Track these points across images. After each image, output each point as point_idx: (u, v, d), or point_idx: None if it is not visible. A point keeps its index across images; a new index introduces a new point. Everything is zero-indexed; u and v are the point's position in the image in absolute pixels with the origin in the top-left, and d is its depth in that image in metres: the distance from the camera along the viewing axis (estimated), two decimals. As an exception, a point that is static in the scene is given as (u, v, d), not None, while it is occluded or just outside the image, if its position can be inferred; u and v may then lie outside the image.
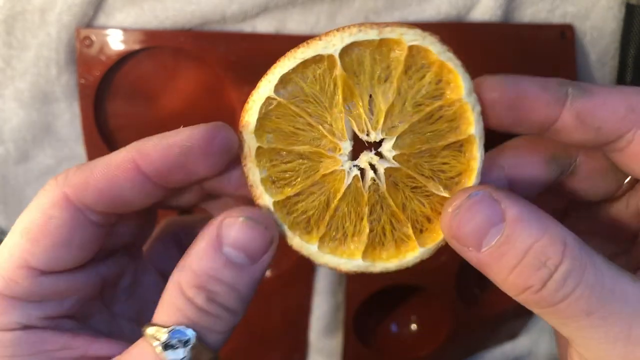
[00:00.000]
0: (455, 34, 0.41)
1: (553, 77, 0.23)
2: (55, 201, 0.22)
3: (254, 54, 0.39)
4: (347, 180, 0.22)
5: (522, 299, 0.20)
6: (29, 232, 0.22)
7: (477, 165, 0.22)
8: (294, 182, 0.22)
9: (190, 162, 0.22)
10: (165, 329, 0.21)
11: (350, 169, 0.22)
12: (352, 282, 0.47)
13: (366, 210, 0.21)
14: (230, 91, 0.40)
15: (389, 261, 0.22)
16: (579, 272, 0.18)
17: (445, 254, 0.47)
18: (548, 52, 0.44)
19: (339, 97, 0.21)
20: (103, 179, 0.22)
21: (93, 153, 0.41)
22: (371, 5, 0.40)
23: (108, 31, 0.38)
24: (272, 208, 0.22)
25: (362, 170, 0.22)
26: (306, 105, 0.22)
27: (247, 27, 0.39)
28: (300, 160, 0.22)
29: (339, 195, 0.22)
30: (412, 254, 0.22)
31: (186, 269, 0.22)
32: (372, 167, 0.22)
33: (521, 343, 0.57)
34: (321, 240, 0.22)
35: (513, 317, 0.53)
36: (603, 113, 0.21)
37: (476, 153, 0.22)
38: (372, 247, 0.22)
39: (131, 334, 0.26)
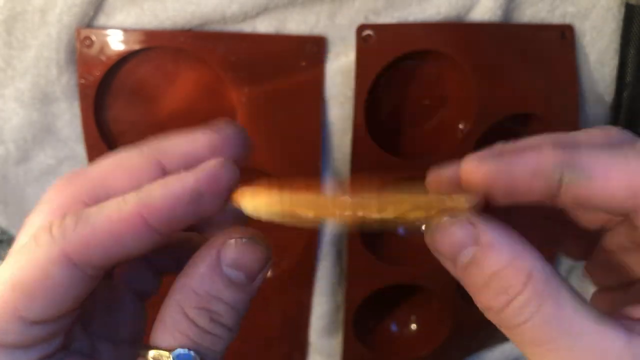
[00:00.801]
0: (455, 34, 0.41)
1: (547, 142, 0.23)
2: (53, 258, 0.21)
3: (254, 54, 0.39)
4: None
5: (487, 315, 0.21)
6: (24, 286, 0.21)
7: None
8: None
9: (201, 207, 0.22)
10: (168, 353, 0.21)
11: None
12: (352, 282, 0.47)
13: None
14: (230, 91, 0.41)
15: None
16: (537, 303, 0.19)
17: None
18: (548, 52, 0.44)
19: None
20: (106, 236, 0.21)
21: (93, 153, 0.41)
22: (371, 5, 0.40)
23: (108, 31, 0.38)
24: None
25: None
26: None
27: (247, 27, 0.40)
28: None
29: None
30: None
31: (186, 289, 0.21)
32: None
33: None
34: None
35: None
36: (601, 199, 0.20)
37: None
38: None
39: (109, 355, 0.25)
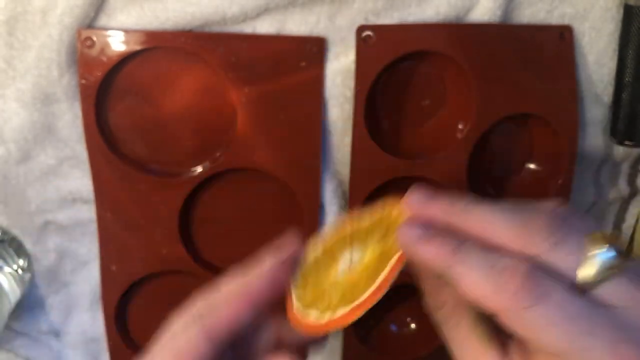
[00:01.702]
0: (455, 34, 0.42)
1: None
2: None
3: (254, 54, 0.40)
4: None
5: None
6: None
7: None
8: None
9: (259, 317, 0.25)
10: None
11: None
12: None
13: None
14: (231, 91, 0.41)
15: None
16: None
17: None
18: (547, 52, 0.44)
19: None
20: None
21: (94, 153, 0.41)
22: (370, 6, 0.40)
23: (109, 32, 0.38)
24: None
25: None
26: None
27: (248, 28, 0.40)
28: None
29: None
30: None
31: None
32: None
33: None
34: None
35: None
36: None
37: None
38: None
39: None
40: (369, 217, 0.27)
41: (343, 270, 0.27)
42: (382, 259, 0.27)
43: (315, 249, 0.27)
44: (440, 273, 0.24)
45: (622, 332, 0.20)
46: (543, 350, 0.21)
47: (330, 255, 0.27)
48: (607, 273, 0.21)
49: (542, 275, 0.21)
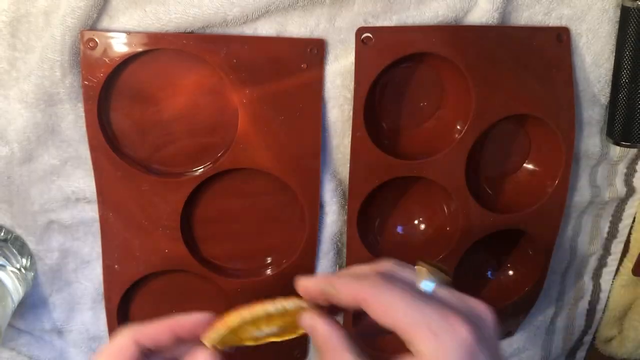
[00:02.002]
0: (453, 36, 0.42)
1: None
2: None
3: (255, 56, 0.40)
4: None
5: None
6: None
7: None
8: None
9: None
10: None
11: None
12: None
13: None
14: (232, 92, 0.41)
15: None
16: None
17: (443, 254, 0.48)
18: (544, 54, 0.45)
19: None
20: None
21: (97, 153, 0.41)
22: (370, 8, 0.41)
23: (111, 34, 0.38)
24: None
25: None
26: None
27: (249, 30, 0.40)
28: None
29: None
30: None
31: None
32: None
33: (517, 340, 0.58)
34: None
35: (509, 315, 0.54)
36: (345, 303, 0.32)
37: None
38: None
39: None
40: (270, 308, 0.33)
41: (263, 334, 0.34)
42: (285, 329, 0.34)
43: (217, 332, 0.33)
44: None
45: (449, 309, 0.28)
46: (403, 331, 0.28)
47: (234, 333, 0.33)
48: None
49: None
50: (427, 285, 0.31)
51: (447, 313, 0.28)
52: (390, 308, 0.29)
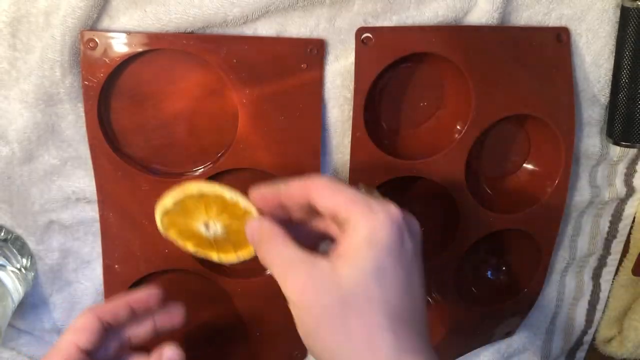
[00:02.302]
0: (453, 36, 0.42)
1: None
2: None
3: (255, 56, 0.40)
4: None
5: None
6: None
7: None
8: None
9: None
10: None
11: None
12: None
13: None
14: (232, 92, 0.41)
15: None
16: (264, 247, 0.34)
17: (443, 254, 0.48)
18: (544, 54, 0.45)
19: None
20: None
21: (97, 153, 0.41)
22: (370, 8, 0.41)
23: (112, 34, 0.38)
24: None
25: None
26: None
27: (249, 30, 0.40)
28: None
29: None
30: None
31: None
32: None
33: (516, 341, 0.58)
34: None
35: (509, 315, 0.54)
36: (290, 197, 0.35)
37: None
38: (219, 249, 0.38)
39: None
40: (227, 194, 0.35)
41: (209, 232, 0.37)
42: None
43: (174, 196, 0.36)
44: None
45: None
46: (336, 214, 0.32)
47: (186, 207, 0.36)
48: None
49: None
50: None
51: (383, 201, 0.32)
52: (335, 191, 0.32)
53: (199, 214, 0.36)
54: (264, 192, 0.35)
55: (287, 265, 0.32)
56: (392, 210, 0.31)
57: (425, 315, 0.32)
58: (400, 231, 0.31)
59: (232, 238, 0.37)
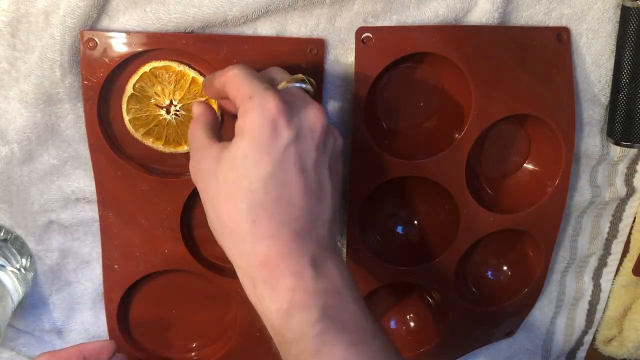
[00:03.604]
0: (453, 36, 0.42)
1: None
2: None
3: (255, 56, 0.40)
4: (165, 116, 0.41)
5: None
6: None
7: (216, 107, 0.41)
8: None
9: None
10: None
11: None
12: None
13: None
14: (232, 92, 0.41)
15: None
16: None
17: (443, 254, 0.48)
18: (544, 54, 0.45)
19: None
20: None
21: (97, 153, 0.41)
22: (370, 8, 0.41)
23: (111, 34, 0.38)
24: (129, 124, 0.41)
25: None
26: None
27: (249, 30, 0.40)
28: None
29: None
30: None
31: None
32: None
33: (517, 341, 0.58)
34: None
35: (509, 315, 0.54)
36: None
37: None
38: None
39: None
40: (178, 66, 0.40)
41: (170, 114, 0.41)
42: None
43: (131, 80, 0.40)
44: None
45: (275, 92, 0.32)
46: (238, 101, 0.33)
47: (143, 90, 0.40)
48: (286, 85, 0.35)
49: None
50: (294, 83, 0.35)
51: (269, 92, 0.32)
52: (237, 82, 0.34)
53: (157, 96, 0.40)
54: (204, 82, 0.38)
55: (194, 148, 0.35)
56: (267, 104, 0.31)
57: (318, 217, 0.33)
58: (273, 125, 0.31)
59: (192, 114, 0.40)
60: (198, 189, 0.35)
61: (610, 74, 0.47)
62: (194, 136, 0.36)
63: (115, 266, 0.45)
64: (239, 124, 0.33)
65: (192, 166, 0.35)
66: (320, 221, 0.33)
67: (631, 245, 0.55)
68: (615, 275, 0.57)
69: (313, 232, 0.33)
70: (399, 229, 0.50)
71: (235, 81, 0.34)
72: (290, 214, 0.32)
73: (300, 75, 0.35)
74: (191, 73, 0.40)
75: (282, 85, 0.35)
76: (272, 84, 0.34)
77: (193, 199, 0.43)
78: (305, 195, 0.32)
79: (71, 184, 0.43)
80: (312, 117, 0.33)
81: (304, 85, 0.35)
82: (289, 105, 0.32)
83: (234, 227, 0.32)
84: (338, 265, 0.33)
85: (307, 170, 0.33)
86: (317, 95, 0.42)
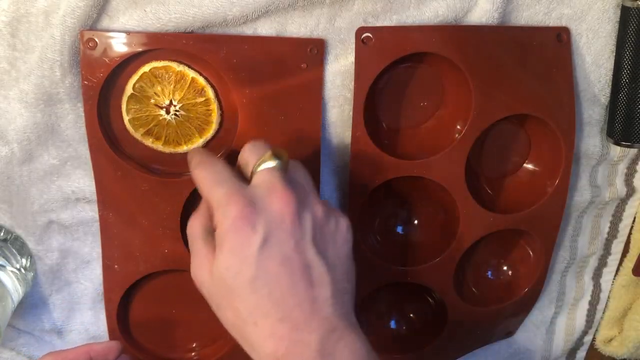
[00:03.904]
0: (453, 36, 0.42)
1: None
2: None
3: (255, 56, 0.40)
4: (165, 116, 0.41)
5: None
6: None
7: (215, 107, 0.42)
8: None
9: None
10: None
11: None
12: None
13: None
14: (232, 92, 0.41)
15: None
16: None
17: (443, 254, 0.48)
18: (544, 54, 0.45)
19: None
20: None
21: (97, 153, 0.41)
22: (370, 8, 0.41)
23: (111, 34, 0.38)
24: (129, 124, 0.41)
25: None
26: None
27: (249, 30, 0.40)
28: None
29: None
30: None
31: None
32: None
33: (517, 341, 0.58)
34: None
35: (509, 315, 0.54)
36: None
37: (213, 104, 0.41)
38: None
39: None
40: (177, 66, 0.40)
41: (170, 114, 0.41)
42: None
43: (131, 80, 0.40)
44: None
45: (240, 194, 0.33)
46: (211, 203, 0.34)
47: (143, 90, 0.40)
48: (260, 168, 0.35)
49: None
50: (261, 166, 0.35)
51: (231, 199, 0.33)
52: (201, 185, 0.35)
53: (156, 96, 0.40)
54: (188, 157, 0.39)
55: (192, 250, 0.36)
56: (230, 213, 0.32)
57: (315, 299, 0.33)
58: (241, 233, 0.32)
59: (192, 115, 0.41)
60: (202, 294, 0.35)
61: (610, 74, 0.47)
62: (191, 235, 0.36)
63: (115, 266, 0.45)
64: (217, 233, 0.33)
65: (192, 271, 0.35)
66: (321, 302, 0.33)
67: (631, 245, 0.55)
68: (615, 275, 0.57)
69: (315, 316, 0.32)
70: (399, 229, 0.50)
71: (201, 186, 0.35)
72: (285, 307, 0.32)
73: (268, 154, 0.35)
74: (191, 73, 0.40)
75: (251, 172, 0.35)
76: (246, 170, 0.36)
77: (193, 199, 0.43)
78: (293, 284, 0.32)
79: (71, 184, 0.43)
80: (277, 208, 0.33)
81: (271, 165, 0.35)
82: (252, 207, 0.33)
83: (241, 333, 0.33)
84: (352, 344, 0.32)
85: (288, 259, 0.33)
86: (317, 95, 0.42)
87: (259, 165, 0.35)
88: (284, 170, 0.35)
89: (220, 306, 0.34)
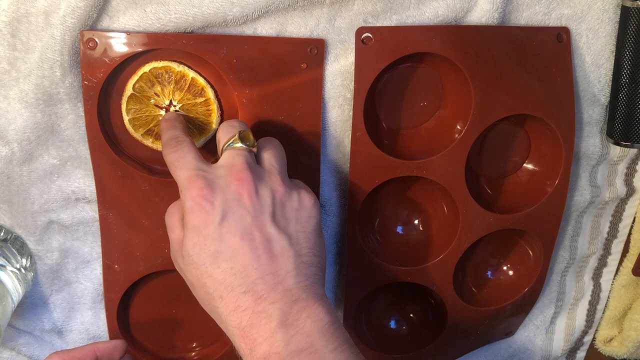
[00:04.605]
0: (453, 36, 0.42)
1: None
2: None
3: (255, 56, 0.40)
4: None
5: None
6: None
7: (215, 107, 0.42)
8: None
9: None
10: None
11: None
12: (352, 281, 0.48)
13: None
14: (232, 92, 0.41)
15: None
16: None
17: (443, 254, 0.48)
18: (544, 54, 0.45)
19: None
20: None
21: (97, 153, 0.41)
22: (370, 8, 0.41)
23: (111, 34, 0.38)
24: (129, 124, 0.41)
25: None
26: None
27: (249, 30, 0.40)
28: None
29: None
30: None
31: None
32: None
33: (517, 341, 0.58)
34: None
35: (509, 315, 0.54)
36: None
37: (213, 104, 0.42)
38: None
39: None
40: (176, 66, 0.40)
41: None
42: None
43: (131, 81, 0.40)
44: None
45: (202, 175, 0.35)
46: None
47: (143, 90, 0.40)
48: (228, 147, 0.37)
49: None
50: (228, 146, 0.37)
51: (192, 181, 0.35)
52: (171, 169, 0.37)
53: (156, 97, 0.40)
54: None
55: (169, 234, 0.37)
56: (191, 193, 0.34)
57: (277, 272, 0.34)
58: (201, 211, 0.34)
59: (192, 115, 0.41)
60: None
61: (610, 74, 0.47)
62: (168, 221, 0.37)
63: (115, 266, 0.45)
64: (184, 215, 0.35)
65: (172, 255, 0.37)
66: (283, 274, 0.34)
67: (631, 245, 0.55)
68: (615, 275, 0.57)
69: (278, 288, 0.33)
70: (399, 229, 0.50)
71: (171, 170, 0.37)
72: (247, 280, 0.33)
73: (235, 135, 0.37)
74: (191, 73, 0.40)
75: (220, 151, 0.37)
76: (218, 147, 0.38)
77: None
78: (254, 257, 0.34)
79: (71, 184, 0.43)
80: (234, 185, 0.35)
81: (237, 145, 0.37)
82: (210, 187, 0.34)
83: (210, 308, 0.35)
84: (314, 315, 0.33)
85: (248, 233, 0.34)
86: (317, 95, 0.42)
87: (227, 144, 0.37)
88: (248, 151, 0.37)
89: (193, 285, 0.35)
